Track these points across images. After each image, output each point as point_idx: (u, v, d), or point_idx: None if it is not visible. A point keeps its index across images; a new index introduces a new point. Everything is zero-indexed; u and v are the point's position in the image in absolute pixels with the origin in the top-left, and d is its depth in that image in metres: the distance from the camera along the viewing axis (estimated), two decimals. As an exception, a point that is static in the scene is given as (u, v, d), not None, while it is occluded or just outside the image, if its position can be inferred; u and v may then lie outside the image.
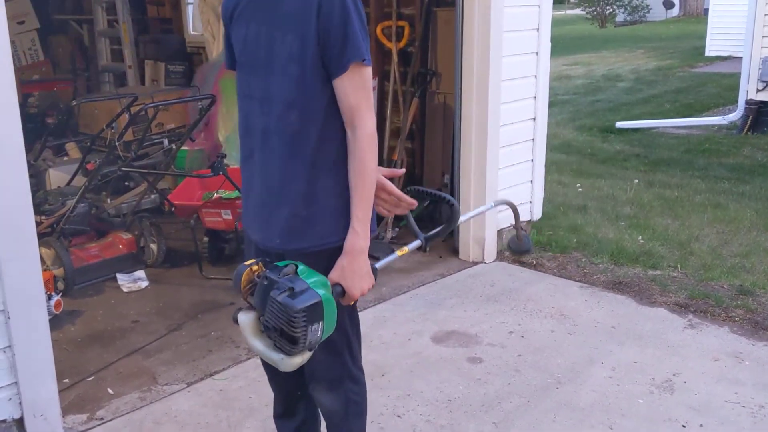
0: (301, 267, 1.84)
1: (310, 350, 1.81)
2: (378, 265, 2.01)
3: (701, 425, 2.89)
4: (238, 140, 2.16)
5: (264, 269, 1.86)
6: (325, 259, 1.96)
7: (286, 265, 1.84)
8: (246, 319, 1.86)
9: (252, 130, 2.03)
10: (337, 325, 2.02)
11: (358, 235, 1.93)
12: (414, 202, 2.13)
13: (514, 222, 2.44)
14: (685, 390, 3.15)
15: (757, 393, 3.10)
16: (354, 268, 1.92)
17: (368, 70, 1.92)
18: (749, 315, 3.81)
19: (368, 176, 1.92)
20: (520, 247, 2.55)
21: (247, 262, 1.88)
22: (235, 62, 2.09)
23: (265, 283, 1.81)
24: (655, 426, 2.89)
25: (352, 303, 1.99)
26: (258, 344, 1.86)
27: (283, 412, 2.31)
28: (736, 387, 3.16)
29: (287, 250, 2.00)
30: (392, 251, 4.77)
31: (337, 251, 1.97)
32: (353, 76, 1.88)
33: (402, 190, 2.12)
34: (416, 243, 2.11)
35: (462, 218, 2.30)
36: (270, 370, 2.28)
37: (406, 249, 2.09)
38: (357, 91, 1.89)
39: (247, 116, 2.05)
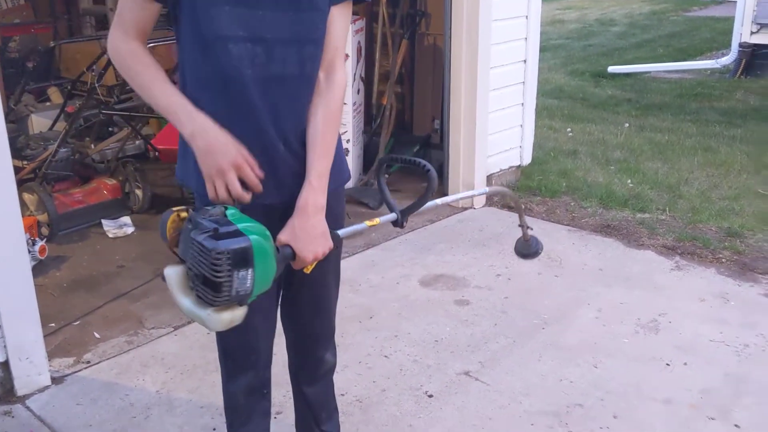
0: (231, 210, 1.57)
1: (240, 304, 1.53)
2: (341, 232, 1.76)
3: (685, 363, 2.92)
4: None
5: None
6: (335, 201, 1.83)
7: (214, 207, 1.58)
8: (173, 273, 1.57)
9: (234, 80, 1.64)
10: (334, 278, 1.97)
11: (316, 192, 1.68)
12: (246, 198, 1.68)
13: (519, 220, 2.19)
14: (671, 330, 3.17)
15: (742, 332, 3.13)
16: (306, 227, 1.65)
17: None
18: (736, 257, 3.82)
19: (338, 127, 1.77)
20: (527, 248, 2.36)
21: (175, 208, 1.62)
22: None
23: (190, 227, 1.55)
24: (640, 365, 2.92)
25: (304, 267, 1.70)
26: (185, 302, 1.56)
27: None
28: (722, 326, 3.18)
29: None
30: (382, 200, 4.69)
31: (333, 194, 1.79)
32: (346, 12, 1.75)
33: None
34: (390, 216, 1.87)
35: (449, 198, 2.07)
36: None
37: (377, 221, 1.85)
38: (344, 31, 1.77)
39: (230, 64, 1.63)
